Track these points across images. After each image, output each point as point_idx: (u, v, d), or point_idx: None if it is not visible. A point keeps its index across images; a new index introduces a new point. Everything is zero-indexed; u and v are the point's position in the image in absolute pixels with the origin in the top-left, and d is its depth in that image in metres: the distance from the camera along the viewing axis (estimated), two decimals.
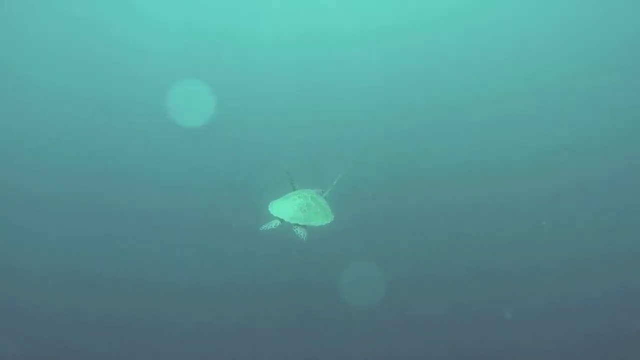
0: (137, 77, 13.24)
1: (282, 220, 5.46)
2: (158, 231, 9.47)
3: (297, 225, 5.43)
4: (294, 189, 6.17)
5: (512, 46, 14.12)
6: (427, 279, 8.18)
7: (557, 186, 10.46)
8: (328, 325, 7.39)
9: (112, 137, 11.90)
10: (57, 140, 11.53)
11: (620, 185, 10.36)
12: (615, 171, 10.70)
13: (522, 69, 13.70)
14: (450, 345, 7.14)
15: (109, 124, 12.11)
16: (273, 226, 5.46)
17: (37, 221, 9.53)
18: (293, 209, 5.54)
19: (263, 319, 7.47)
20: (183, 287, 8.09)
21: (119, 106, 12.59)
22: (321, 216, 5.60)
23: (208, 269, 8.43)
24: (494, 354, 7.01)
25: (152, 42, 13.81)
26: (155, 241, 9.16)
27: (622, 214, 9.61)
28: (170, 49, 13.84)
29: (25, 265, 8.36)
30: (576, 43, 13.68)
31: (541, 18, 14.19)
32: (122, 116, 12.37)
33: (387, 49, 14.47)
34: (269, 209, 5.71)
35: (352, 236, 8.11)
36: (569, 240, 8.92)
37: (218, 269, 8.38)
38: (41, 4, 13.25)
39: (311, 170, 10.58)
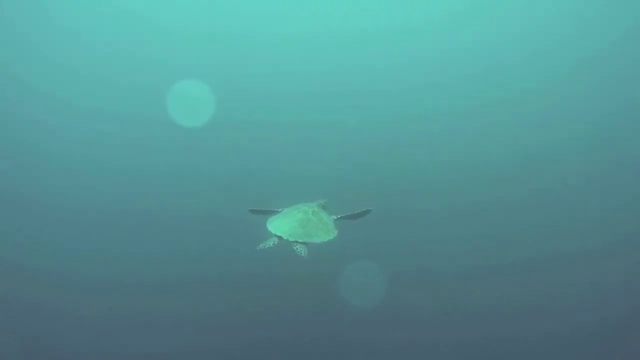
0: (136, 78, 13.31)
1: (280, 238, 5.11)
2: (158, 230, 9.57)
3: (297, 242, 5.06)
4: (272, 210, 5.78)
5: (501, 53, 14.30)
6: (424, 276, 8.33)
7: (547, 185, 10.69)
8: (327, 320, 7.48)
9: (111, 138, 11.99)
10: (58, 143, 11.59)
11: (604, 182, 10.64)
12: (597, 171, 10.95)
13: (509, 75, 13.90)
14: (450, 338, 7.30)
15: (110, 126, 12.17)
16: (271, 244, 5.12)
17: (42, 223, 9.61)
18: (291, 224, 5.17)
19: (262, 315, 7.56)
20: (184, 284, 8.20)
21: (118, 108, 12.67)
22: (322, 232, 5.20)
23: (209, 266, 8.52)
24: (491, 344, 7.17)
25: (152, 44, 13.85)
26: (157, 240, 9.25)
27: (606, 210, 9.88)
28: (170, 51, 13.89)
29: (34, 265, 8.50)
30: (556, 51, 13.91)
31: (527, 25, 14.39)
32: (121, 117, 12.44)
33: (388, 52, 14.52)
34: (267, 226, 5.33)
35: (352, 236, 8.21)
36: (555, 236, 9.18)
37: (219, 266, 8.46)
38: (33, 9, 13.25)
39: (312, 173, 10.92)
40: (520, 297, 7.90)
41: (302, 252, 5.02)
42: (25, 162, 11.07)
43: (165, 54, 13.91)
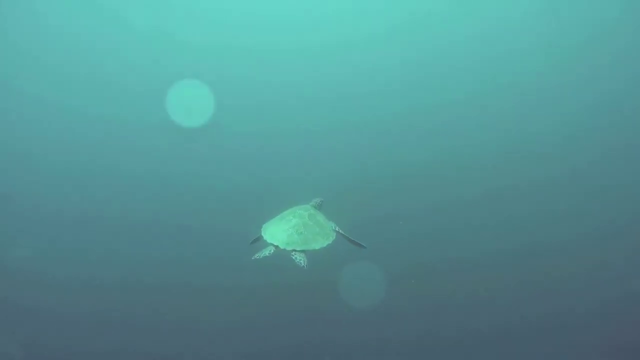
0: (134, 82, 13.38)
1: (277, 247, 4.76)
2: (156, 234, 9.61)
3: (295, 250, 4.72)
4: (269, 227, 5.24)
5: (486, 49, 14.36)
6: (424, 275, 8.35)
7: (542, 177, 10.75)
8: (326, 321, 7.48)
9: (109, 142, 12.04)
10: (57, 147, 11.64)
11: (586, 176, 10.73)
12: (575, 166, 11.04)
13: (498, 68, 13.96)
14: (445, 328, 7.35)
15: (107, 129, 12.23)
16: (267, 254, 4.76)
17: (41, 226, 9.66)
18: (288, 232, 4.81)
19: (262, 317, 7.57)
20: (184, 287, 8.23)
21: (115, 110, 12.73)
22: (321, 237, 4.86)
23: (207, 270, 8.54)
24: (492, 345, 7.19)
25: (153, 50, 13.94)
26: (155, 244, 9.30)
27: (598, 201, 9.99)
28: (170, 53, 13.97)
29: (34, 267, 8.55)
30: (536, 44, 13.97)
31: (520, 20, 14.46)
32: (119, 121, 12.49)
33: (379, 55, 14.63)
34: (262, 234, 4.97)
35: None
36: (551, 226, 9.27)
37: (217, 270, 8.49)
38: (28, 14, 13.31)
39: (308, 173, 10.96)
40: (521, 292, 7.93)
41: (302, 261, 4.69)
42: (23, 166, 11.14)
43: (165, 56, 13.99)
